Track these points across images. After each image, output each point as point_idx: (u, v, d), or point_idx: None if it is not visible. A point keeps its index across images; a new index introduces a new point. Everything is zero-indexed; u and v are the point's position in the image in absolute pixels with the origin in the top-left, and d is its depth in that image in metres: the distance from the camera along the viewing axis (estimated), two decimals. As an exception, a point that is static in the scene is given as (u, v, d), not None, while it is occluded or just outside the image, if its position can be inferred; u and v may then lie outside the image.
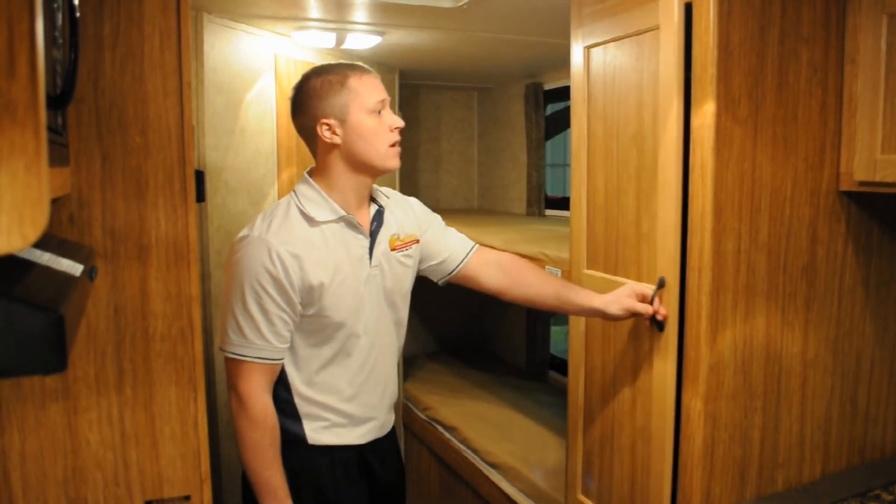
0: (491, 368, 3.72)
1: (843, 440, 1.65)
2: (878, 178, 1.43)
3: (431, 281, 1.75)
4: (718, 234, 1.41)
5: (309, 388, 1.51)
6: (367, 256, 1.51)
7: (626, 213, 1.62)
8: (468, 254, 1.70)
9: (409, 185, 3.82)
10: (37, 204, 0.51)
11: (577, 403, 1.84)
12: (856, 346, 1.64)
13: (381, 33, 2.53)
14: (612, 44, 1.63)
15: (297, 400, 1.51)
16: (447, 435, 2.92)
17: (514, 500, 2.39)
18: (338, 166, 1.47)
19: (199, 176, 2.18)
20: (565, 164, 4.33)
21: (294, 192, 1.50)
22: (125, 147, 1.10)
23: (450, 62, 3.22)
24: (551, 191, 3.75)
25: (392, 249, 1.56)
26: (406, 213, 1.64)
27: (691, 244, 1.45)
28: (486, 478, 2.57)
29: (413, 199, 1.71)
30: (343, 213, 1.47)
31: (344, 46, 2.64)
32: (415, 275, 1.67)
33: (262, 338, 1.41)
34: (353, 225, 1.49)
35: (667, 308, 1.49)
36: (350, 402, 1.54)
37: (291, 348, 1.48)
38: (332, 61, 1.51)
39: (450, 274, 1.70)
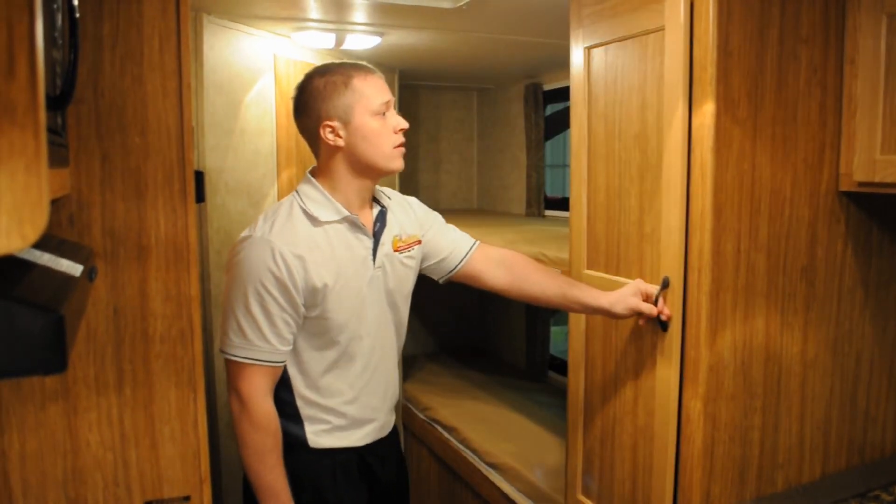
0: (491, 369, 3.72)
1: (842, 441, 1.65)
2: (877, 179, 1.43)
3: (432, 280, 1.74)
4: (718, 234, 1.41)
5: (311, 390, 1.50)
6: (371, 257, 1.50)
7: (628, 213, 1.62)
8: (469, 251, 1.68)
9: (408, 185, 3.82)
10: (36, 205, 0.51)
11: (577, 403, 1.84)
12: (855, 347, 1.64)
13: (380, 34, 2.54)
14: (613, 44, 1.63)
15: (299, 402, 1.50)
16: (447, 435, 2.92)
17: (514, 501, 2.39)
18: (341, 168, 1.46)
19: (199, 176, 2.18)
20: (565, 165, 4.33)
21: (297, 192, 1.48)
22: (125, 148, 1.10)
23: (449, 63, 3.22)
24: (551, 191, 3.75)
25: (395, 250, 1.55)
26: (407, 214, 1.63)
27: (691, 244, 1.45)
28: (486, 478, 2.57)
29: (413, 199, 1.70)
30: (347, 213, 1.46)
31: (343, 47, 2.64)
32: (416, 275, 1.66)
33: (265, 340, 1.40)
34: (356, 226, 1.48)
35: (671, 308, 1.49)
36: (352, 405, 1.53)
37: (294, 350, 1.47)
38: (336, 61, 1.50)
39: (451, 272, 1.68)
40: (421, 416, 3.17)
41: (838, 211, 1.56)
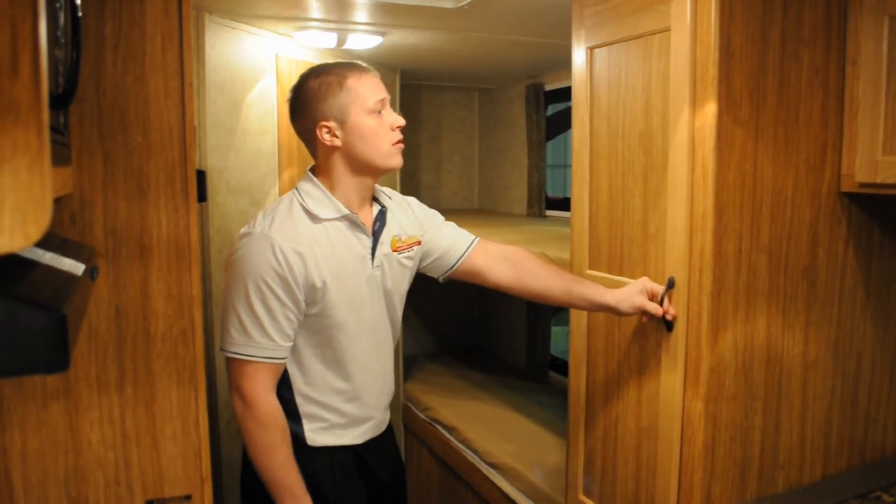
0: (491, 369, 3.72)
1: (843, 441, 1.65)
2: (879, 180, 1.43)
3: (432, 280, 1.73)
4: (719, 234, 1.41)
5: (311, 388, 1.50)
6: (370, 256, 1.50)
7: (631, 214, 1.62)
8: (469, 247, 1.67)
9: (409, 185, 3.82)
10: (39, 203, 0.51)
11: (579, 402, 1.84)
12: (856, 348, 1.64)
13: (382, 34, 2.54)
14: (616, 45, 1.63)
15: (298, 399, 1.50)
16: (447, 435, 2.92)
17: (515, 501, 2.39)
18: (339, 167, 1.46)
19: (201, 176, 2.18)
20: (566, 165, 4.33)
21: (297, 189, 1.49)
22: (127, 147, 1.10)
23: (451, 63, 3.22)
24: (552, 191, 3.75)
25: (393, 250, 1.55)
26: (407, 214, 1.63)
27: (692, 245, 1.45)
28: (487, 478, 2.57)
29: (412, 199, 1.70)
30: (346, 211, 1.46)
31: (345, 46, 2.64)
32: (413, 276, 1.66)
33: (267, 336, 1.39)
34: (356, 224, 1.48)
35: (676, 308, 1.49)
36: (351, 403, 1.54)
37: (294, 348, 1.47)
38: (330, 61, 1.50)
39: (450, 269, 1.68)
40: (421, 415, 3.17)
41: (840, 212, 1.56)
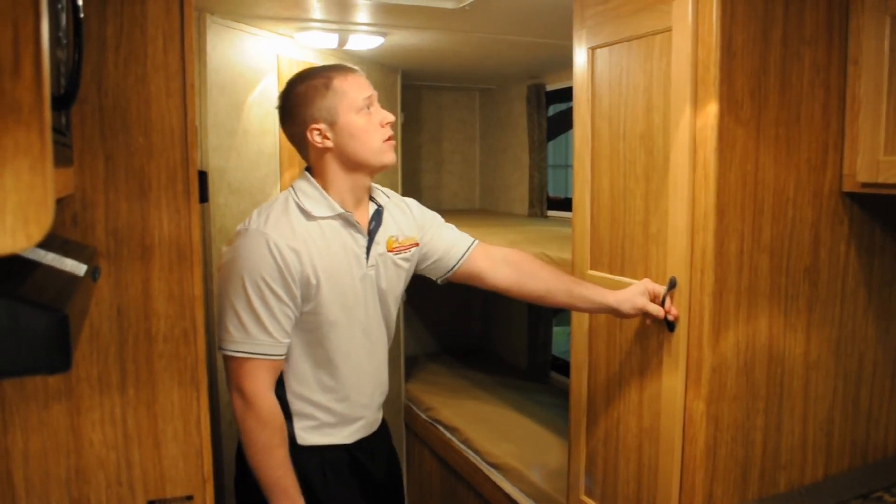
0: (492, 369, 3.72)
1: (845, 442, 1.65)
2: (880, 180, 1.43)
3: (433, 280, 1.73)
4: (721, 235, 1.41)
5: (304, 386, 1.49)
6: (364, 255, 1.50)
7: (633, 214, 1.62)
8: (468, 250, 1.67)
9: (410, 185, 3.82)
10: (41, 204, 0.51)
11: (580, 403, 1.84)
12: (858, 348, 1.64)
13: (383, 34, 2.54)
14: (618, 45, 1.63)
15: (290, 397, 1.49)
16: (448, 435, 2.92)
17: (516, 501, 2.39)
18: (332, 168, 1.47)
19: (202, 177, 2.18)
20: (567, 165, 4.33)
21: (292, 187, 1.49)
22: (128, 148, 1.10)
23: (452, 63, 3.22)
24: (553, 192, 3.75)
25: (389, 250, 1.55)
26: (405, 215, 1.63)
27: (694, 245, 1.45)
28: (488, 478, 2.57)
29: (411, 201, 1.70)
30: (341, 210, 1.46)
31: (346, 47, 2.64)
32: (409, 278, 1.66)
33: (267, 333, 1.39)
34: (350, 223, 1.48)
35: (678, 308, 1.49)
36: (342, 402, 1.53)
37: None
38: (316, 65, 1.52)
39: (449, 271, 1.67)
40: (423, 416, 3.17)
41: (841, 212, 1.55)
